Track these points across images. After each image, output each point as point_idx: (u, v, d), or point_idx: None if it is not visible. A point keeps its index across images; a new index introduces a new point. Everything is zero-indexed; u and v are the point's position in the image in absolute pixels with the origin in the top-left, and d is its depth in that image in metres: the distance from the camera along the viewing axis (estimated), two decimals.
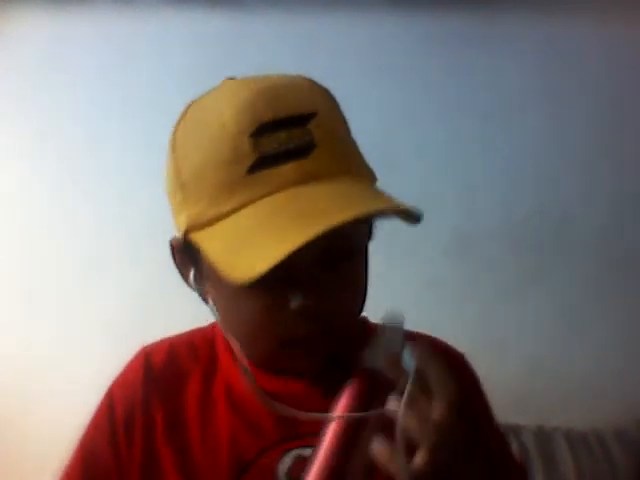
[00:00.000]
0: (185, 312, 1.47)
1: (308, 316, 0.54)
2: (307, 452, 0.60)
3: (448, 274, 1.51)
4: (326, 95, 0.60)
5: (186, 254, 0.60)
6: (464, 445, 0.49)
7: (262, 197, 0.51)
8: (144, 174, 1.52)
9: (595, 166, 1.55)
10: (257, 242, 0.50)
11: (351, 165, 0.57)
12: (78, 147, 1.54)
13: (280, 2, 1.51)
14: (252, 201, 0.52)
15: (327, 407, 0.61)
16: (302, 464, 0.59)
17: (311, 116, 0.54)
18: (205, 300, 0.62)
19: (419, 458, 0.46)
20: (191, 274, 0.61)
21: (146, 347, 0.69)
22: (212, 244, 0.53)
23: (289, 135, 0.52)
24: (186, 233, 0.56)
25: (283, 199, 0.51)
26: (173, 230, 0.63)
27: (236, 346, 0.62)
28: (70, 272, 1.53)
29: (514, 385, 1.42)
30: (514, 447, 1.31)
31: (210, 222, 0.53)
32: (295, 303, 0.53)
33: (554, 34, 1.54)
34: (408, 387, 0.49)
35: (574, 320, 1.53)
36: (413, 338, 0.61)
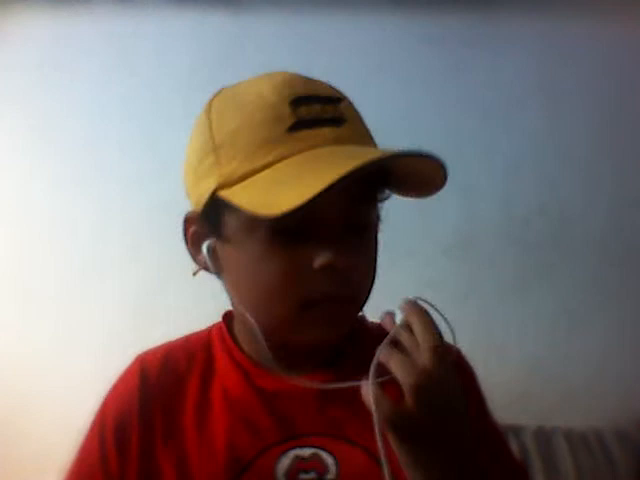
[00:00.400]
0: (184, 312, 1.48)
1: (330, 275, 0.54)
2: (305, 452, 0.60)
3: (448, 274, 1.51)
4: (347, 97, 0.63)
5: (205, 223, 0.60)
6: (451, 393, 0.50)
7: (301, 151, 0.54)
8: (144, 174, 1.52)
9: (595, 166, 1.55)
10: (297, 181, 0.51)
11: (373, 144, 0.61)
12: (78, 147, 1.54)
13: (280, 2, 1.51)
14: (291, 155, 0.54)
15: (323, 406, 0.61)
16: (300, 464, 0.59)
17: (340, 100, 0.59)
18: (217, 273, 0.62)
19: (405, 400, 0.48)
20: (204, 247, 0.61)
21: (141, 355, 0.69)
22: (247, 193, 0.54)
23: (323, 108, 0.57)
24: (216, 191, 0.56)
25: (321, 152, 0.54)
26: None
27: (248, 325, 0.60)
28: (70, 272, 1.53)
29: (514, 385, 1.42)
30: (514, 447, 1.31)
31: (245, 176, 0.55)
32: (320, 260, 0.54)
33: (554, 34, 1.54)
34: (391, 333, 0.52)
35: (574, 320, 1.53)
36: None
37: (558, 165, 1.55)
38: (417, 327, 0.51)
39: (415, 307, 0.53)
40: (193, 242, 0.62)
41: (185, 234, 0.63)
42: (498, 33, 1.55)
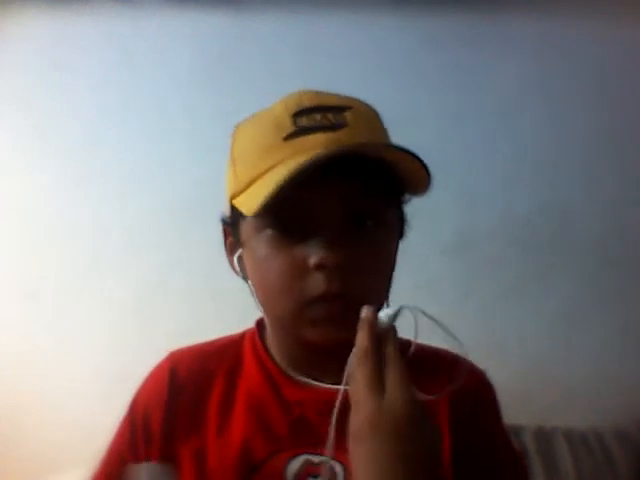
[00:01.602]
0: (185, 312, 1.48)
1: (327, 273, 0.55)
2: (315, 459, 0.61)
3: (448, 274, 1.51)
4: (370, 106, 0.65)
5: (230, 228, 0.65)
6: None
7: (293, 156, 0.56)
8: (144, 174, 1.52)
9: (595, 166, 1.55)
10: (271, 181, 0.54)
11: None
12: (78, 147, 1.54)
13: (280, 2, 1.51)
14: (285, 160, 0.57)
15: (341, 418, 0.61)
16: (310, 469, 0.60)
17: (347, 108, 0.60)
18: (245, 279, 0.65)
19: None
20: (235, 256, 0.64)
21: (173, 352, 0.72)
22: (244, 199, 0.58)
23: (324, 116, 0.59)
24: (231, 201, 0.61)
25: (309, 154, 0.55)
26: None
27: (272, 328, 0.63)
28: (71, 272, 1.53)
29: (514, 385, 1.42)
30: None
31: (249, 184, 0.58)
32: (314, 257, 0.55)
33: (554, 34, 1.54)
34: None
35: (574, 320, 1.53)
36: (437, 354, 0.62)
37: (558, 165, 1.55)
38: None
39: (363, 336, 0.51)
40: (230, 251, 0.66)
41: (225, 243, 0.67)
42: (498, 33, 1.55)
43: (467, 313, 1.52)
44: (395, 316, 0.54)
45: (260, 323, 0.72)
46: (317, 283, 0.56)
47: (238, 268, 0.64)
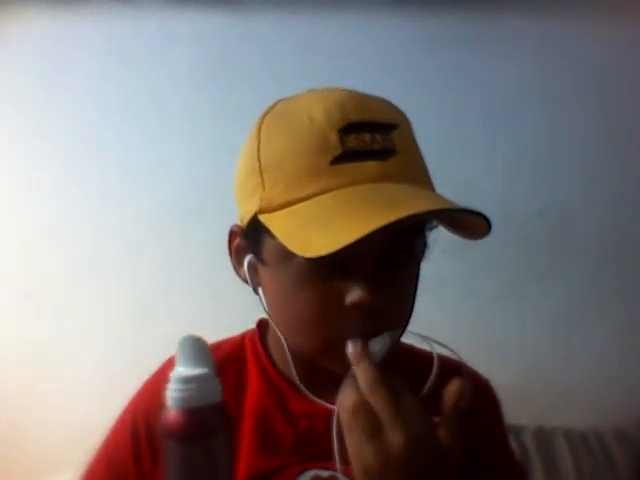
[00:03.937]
0: (184, 312, 1.47)
1: (361, 313, 0.53)
2: (324, 474, 0.60)
3: (448, 274, 1.51)
4: (405, 116, 0.62)
5: (247, 240, 0.60)
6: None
7: (343, 187, 0.52)
8: (144, 174, 1.52)
9: (595, 166, 1.55)
10: (336, 222, 0.50)
11: (424, 178, 0.59)
12: (78, 147, 1.54)
13: (280, 2, 1.51)
14: (332, 189, 0.52)
15: None
16: None
17: (394, 126, 0.56)
18: (255, 290, 0.61)
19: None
20: (246, 262, 0.60)
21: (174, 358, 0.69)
22: (284, 224, 0.53)
23: (372, 138, 0.54)
24: (257, 214, 0.56)
25: (363, 190, 0.52)
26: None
27: (280, 341, 0.60)
28: (70, 272, 1.53)
29: (514, 385, 1.42)
30: (514, 447, 1.31)
31: (285, 204, 0.53)
32: (350, 297, 0.52)
33: (554, 34, 1.54)
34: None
35: (574, 320, 1.53)
36: (443, 364, 0.61)
37: (558, 165, 1.55)
38: (374, 403, 0.48)
39: (359, 362, 0.50)
40: (236, 255, 0.62)
41: (229, 246, 0.63)
42: (498, 33, 1.55)
43: (467, 313, 1.52)
44: (386, 345, 0.53)
45: (261, 324, 0.70)
46: (352, 322, 0.53)
47: (247, 275, 0.60)
